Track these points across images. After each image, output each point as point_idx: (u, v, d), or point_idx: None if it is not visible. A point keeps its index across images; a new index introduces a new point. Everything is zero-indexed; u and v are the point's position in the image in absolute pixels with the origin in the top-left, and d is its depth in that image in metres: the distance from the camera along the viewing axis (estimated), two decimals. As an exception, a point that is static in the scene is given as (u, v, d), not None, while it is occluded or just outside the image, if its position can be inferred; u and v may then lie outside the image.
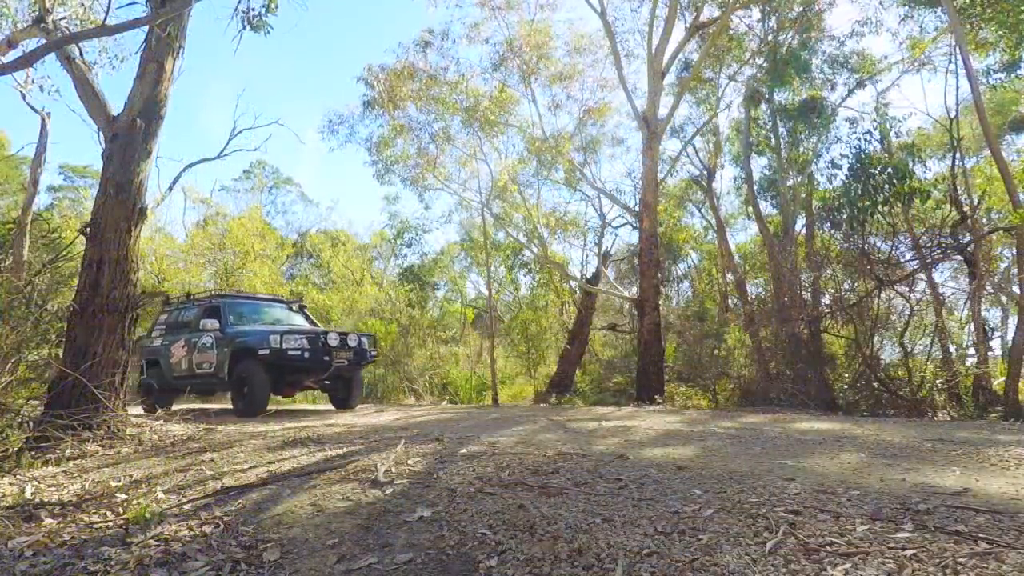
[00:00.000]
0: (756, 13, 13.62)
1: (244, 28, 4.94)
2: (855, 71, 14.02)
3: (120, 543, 2.06)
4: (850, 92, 14.43)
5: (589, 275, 17.17)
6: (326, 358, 7.75)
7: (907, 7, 12.20)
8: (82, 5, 9.00)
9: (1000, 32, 9.81)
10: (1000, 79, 11.22)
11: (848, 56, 13.92)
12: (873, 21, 13.40)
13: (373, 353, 9.01)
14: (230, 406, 9.63)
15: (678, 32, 12.59)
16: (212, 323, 8.24)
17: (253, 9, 4.89)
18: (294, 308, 9.92)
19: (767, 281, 13.11)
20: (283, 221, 29.73)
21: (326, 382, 8.33)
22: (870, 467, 2.79)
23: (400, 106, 15.26)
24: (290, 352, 7.46)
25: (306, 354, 7.58)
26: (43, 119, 15.54)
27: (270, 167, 29.88)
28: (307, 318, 9.78)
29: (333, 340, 7.94)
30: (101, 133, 6.07)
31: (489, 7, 14.62)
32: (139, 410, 8.82)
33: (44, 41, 6.81)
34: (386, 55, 15.11)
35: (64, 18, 8.42)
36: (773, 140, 14.13)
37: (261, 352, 7.49)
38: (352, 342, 8.26)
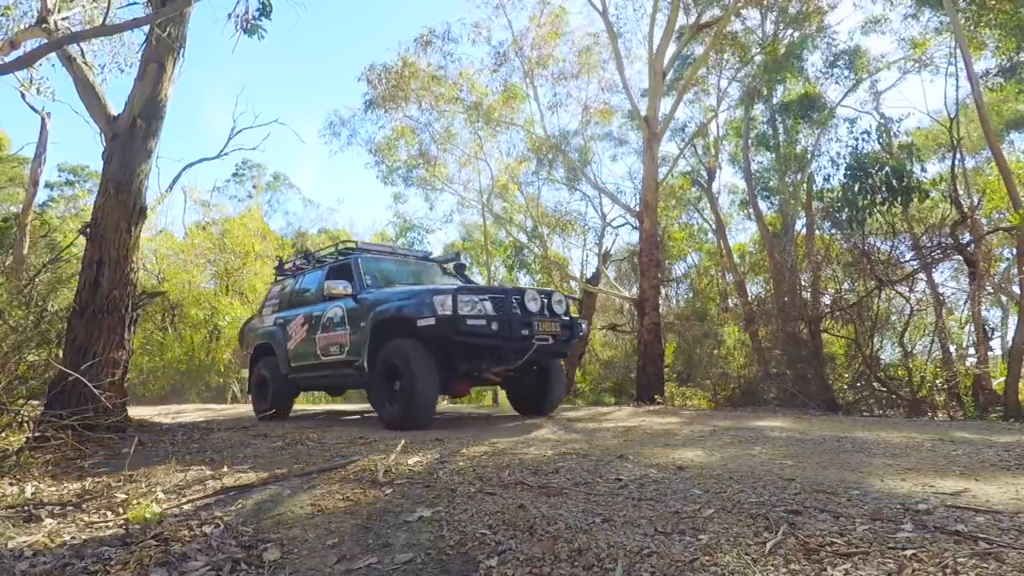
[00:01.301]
0: (756, 14, 13.65)
1: (238, 30, 4.93)
2: (853, 64, 14.05)
3: (120, 543, 2.06)
4: (849, 91, 14.46)
5: (589, 275, 17.19)
6: (524, 332, 5.08)
7: (910, 5, 12.22)
8: (83, 7, 9.01)
9: (999, 34, 9.82)
10: (999, 83, 11.25)
11: (845, 52, 13.95)
12: (878, 19, 13.44)
13: (584, 326, 6.18)
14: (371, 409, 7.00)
15: (679, 33, 12.60)
16: (341, 287, 5.73)
17: (248, 12, 4.88)
18: (448, 269, 7.24)
19: (767, 281, 13.12)
20: (283, 222, 29.80)
21: (510, 372, 5.64)
22: (870, 467, 2.79)
23: (402, 106, 15.27)
24: (470, 322, 4.84)
25: (494, 325, 4.96)
26: (43, 119, 15.58)
27: (256, 166, 29.92)
28: (468, 283, 7.09)
29: (533, 303, 5.31)
30: (102, 133, 6.08)
31: (494, 3, 14.62)
32: (146, 410, 8.50)
33: (45, 41, 6.82)
34: (388, 53, 15.19)
35: (66, 18, 8.44)
36: (772, 139, 14.15)
37: (423, 323, 4.92)
38: (558, 307, 5.57)
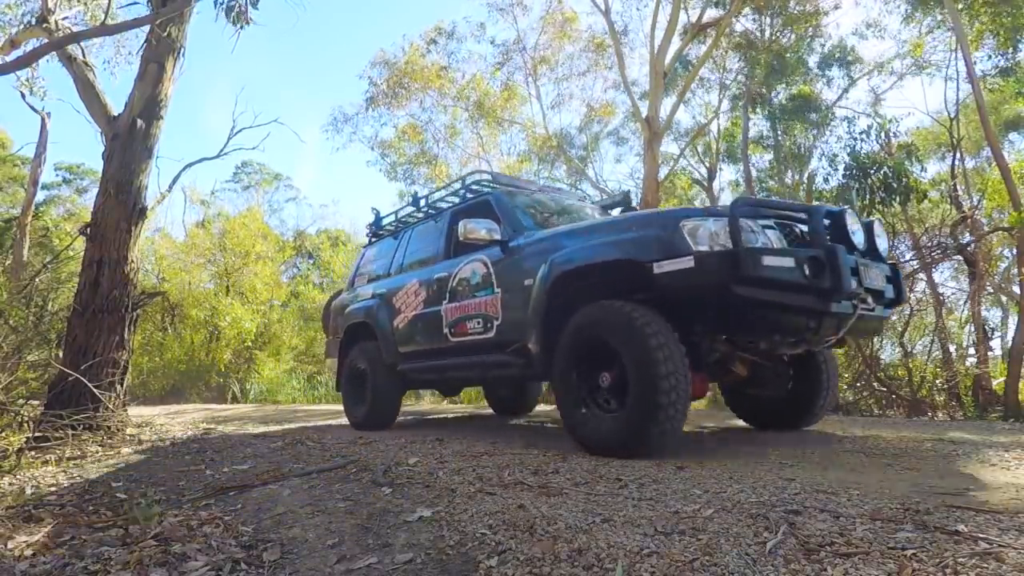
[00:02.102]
0: (757, 14, 13.68)
1: (219, 14, 4.91)
2: (850, 65, 14.09)
3: (120, 543, 2.06)
4: (845, 91, 14.52)
5: (589, 275, 17.16)
6: (853, 283, 2.94)
7: (908, 6, 12.25)
8: (84, 5, 9.02)
9: (996, 29, 9.86)
10: (996, 83, 11.29)
11: (839, 49, 14.01)
12: (876, 23, 13.50)
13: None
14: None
15: (681, 33, 12.61)
16: (484, 230, 3.93)
17: (246, 7, 4.88)
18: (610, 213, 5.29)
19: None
20: (278, 220, 29.88)
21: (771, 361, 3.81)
22: (870, 467, 2.79)
23: (404, 104, 15.34)
24: (768, 262, 2.82)
25: (808, 270, 2.87)
26: (43, 119, 15.60)
27: (259, 166, 30.01)
28: None
29: (857, 234, 3.22)
30: (102, 133, 6.08)
31: (497, 7, 14.71)
32: (146, 410, 8.37)
33: (46, 41, 6.82)
34: (392, 49, 15.30)
35: (67, 17, 8.45)
36: (771, 139, 14.19)
37: (667, 268, 2.94)
38: (882, 244, 3.54)
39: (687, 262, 2.89)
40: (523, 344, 3.73)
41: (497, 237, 3.98)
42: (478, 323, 4.11)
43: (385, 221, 5.93)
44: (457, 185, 5.14)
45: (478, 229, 3.93)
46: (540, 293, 3.58)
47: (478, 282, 4.15)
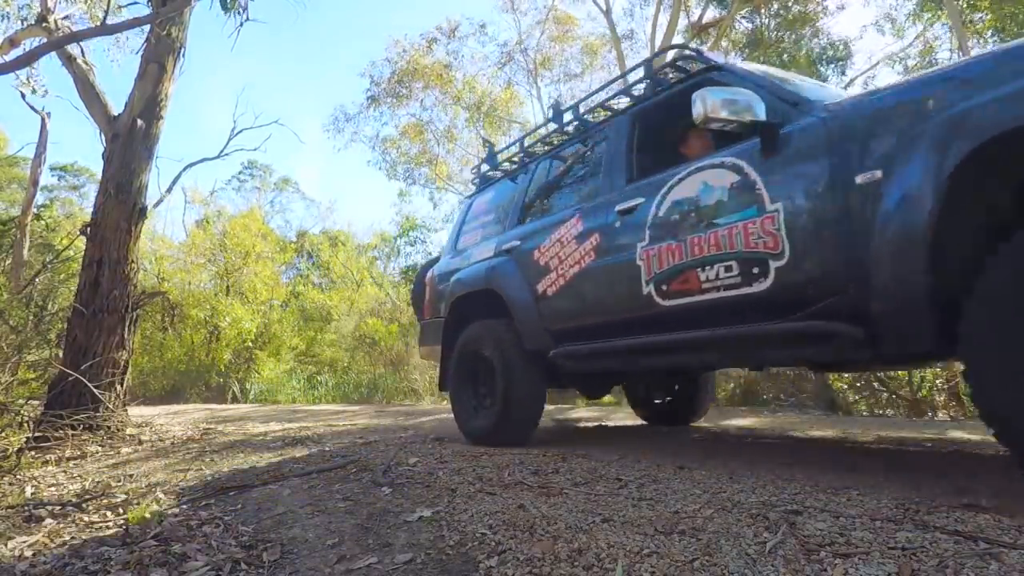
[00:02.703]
0: (757, 14, 13.69)
1: (222, 11, 4.90)
2: (840, 59, 14.11)
3: (120, 543, 2.06)
4: (845, 88, 14.52)
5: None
6: None
7: (914, 5, 12.29)
8: (85, 3, 9.02)
9: (1000, 26, 9.87)
10: None
11: (834, 51, 14.04)
12: (890, 17, 13.54)
13: None
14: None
15: (681, 33, 12.62)
16: (728, 111, 2.26)
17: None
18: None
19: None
20: (281, 220, 29.93)
21: None
22: (870, 467, 2.79)
23: (404, 103, 15.40)
24: None
25: None
26: (43, 119, 15.60)
27: (264, 168, 30.12)
28: None
29: None
30: (102, 133, 6.08)
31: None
32: (146, 410, 8.29)
33: (45, 40, 6.83)
34: (395, 47, 15.33)
35: (67, 16, 8.44)
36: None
37: None
38: None
39: None
40: (855, 299, 2.06)
41: (761, 117, 2.34)
42: (727, 269, 2.45)
43: (502, 157, 4.58)
44: (637, 74, 3.41)
45: (726, 105, 2.31)
46: (920, 190, 1.85)
47: (721, 200, 2.49)
